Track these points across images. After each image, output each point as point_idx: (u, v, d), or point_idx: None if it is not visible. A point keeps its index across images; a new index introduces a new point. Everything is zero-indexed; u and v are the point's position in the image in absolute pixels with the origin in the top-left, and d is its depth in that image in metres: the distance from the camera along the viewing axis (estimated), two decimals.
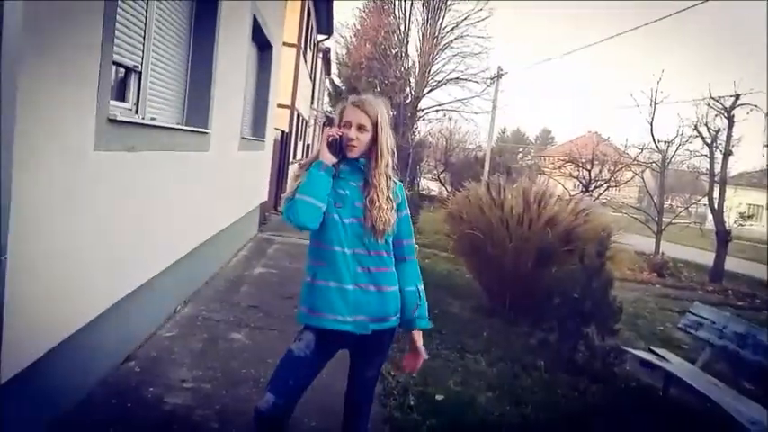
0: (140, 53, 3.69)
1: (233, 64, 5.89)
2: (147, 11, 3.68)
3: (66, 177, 2.59)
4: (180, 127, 4.57)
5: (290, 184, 2.22)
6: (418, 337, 2.32)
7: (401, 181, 2.35)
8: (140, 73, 3.73)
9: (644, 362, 4.77)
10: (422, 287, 2.33)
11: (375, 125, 2.17)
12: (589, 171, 15.31)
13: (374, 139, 2.19)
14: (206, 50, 4.89)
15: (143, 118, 3.80)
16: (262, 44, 8.13)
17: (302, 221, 2.08)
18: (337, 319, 2.12)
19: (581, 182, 15.30)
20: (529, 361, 4.89)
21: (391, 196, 2.21)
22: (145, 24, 3.68)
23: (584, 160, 15.92)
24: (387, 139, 2.21)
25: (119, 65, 3.38)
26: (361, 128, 2.16)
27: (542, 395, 4.23)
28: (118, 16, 3.05)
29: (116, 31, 3.03)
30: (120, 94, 3.59)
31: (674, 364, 4.62)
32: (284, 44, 10.37)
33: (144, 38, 3.70)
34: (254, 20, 6.73)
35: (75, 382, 3.03)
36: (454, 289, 7.69)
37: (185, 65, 4.77)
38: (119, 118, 3.07)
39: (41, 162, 2.35)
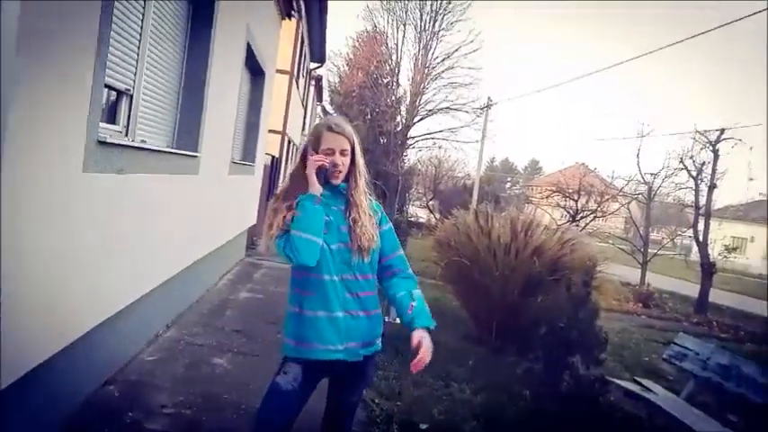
0: (132, 76, 3.72)
1: (225, 89, 5.94)
2: (141, 35, 3.71)
3: (53, 198, 2.59)
4: (170, 150, 4.58)
5: (270, 217, 2.16)
6: (418, 335, 2.15)
7: (380, 202, 2.37)
8: (132, 96, 3.76)
9: (629, 392, 4.78)
10: (417, 292, 2.26)
11: (353, 148, 2.20)
12: (576, 201, 15.45)
13: (352, 161, 2.20)
14: (198, 75, 4.93)
15: (133, 141, 3.82)
16: (255, 70, 8.21)
17: (304, 259, 2.05)
18: (328, 348, 2.10)
19: (568, 212, 15.42)
20: (514, 390, 4.87)
21: (371, 213, 2.22)
22: (138, 48, 3.71)
23: (571, 190, 16.06)
24: (361, 159, 2.25)
25: (110, 88, 3.40)
26: (344, 152, 2.17)
27: (527, 425, 4.21)
28: (111, 39, 3.08)
29: (109, 54, 3.06)
30: (111, 117, 3.61)
31: (659, 395, 4.63)
32: (277, 71, 10.49)
33: (137, 61, 3.73)
34: (248, 46, 6.81)
35: (54, 405, 2.97)
36: (441, 316, 7.61)
37: (177, 89, 4.81)
38: (108, 140, 3.08)
39: (29, 182, 2.34)
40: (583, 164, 29.41)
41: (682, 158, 14.88)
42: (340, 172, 2.17)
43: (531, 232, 6.44)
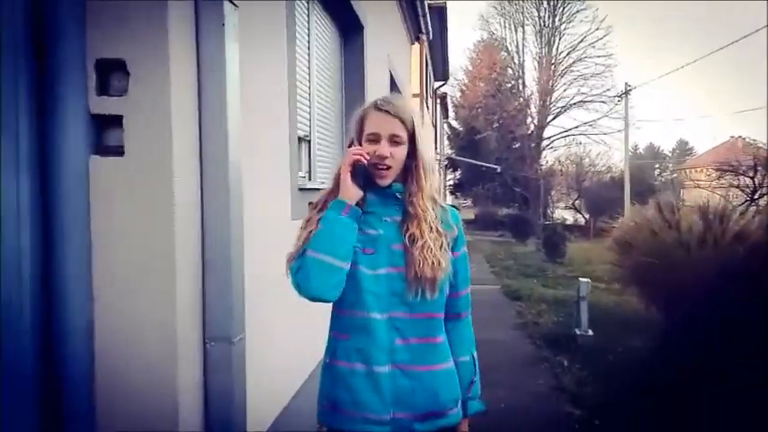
0: (308, 122, 3.88)
1: None
2: (309, 83, 3.87)
3: (277, 250, 2.69)
4: None
5: (298, 232, 1.61)
6: (465, 425, 1.67)
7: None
8: (309, 142, 3.91)
9: None
10: (475, 357, 1.71)
11: (412, 135, 1.56)
12: (752, 178, 13.82)
13: (412, 154, 1.57)
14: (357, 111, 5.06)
15: (316, 183, 3.96)
16: None
17: (315, 290, 1.48)
18: (368, 417, 1.52)
19: (743, 191, 13.86)
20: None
21: (441, 229, 1.56)
22: (309, 99, 3.88)
23: (744, 167, 14.43)
24: (426, 151, 1.60)
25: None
26: (394, 139, 1.54)
27: None
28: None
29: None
30: (297, 164, 3.77)
31: None
32: (412, 95, 10.61)
33: (309, 108, 3.89)
34: (390, 75, 6.94)
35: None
36: (627, 321, 7.13)
37: (340, 129, 4.97)
38: (303, 186, 3.20)
39: (258, 240, 2.45)
40: (740, 137, 26.59)
41: None
42: (388, 168, 1.53)
43: (725, 218, 5.80)
